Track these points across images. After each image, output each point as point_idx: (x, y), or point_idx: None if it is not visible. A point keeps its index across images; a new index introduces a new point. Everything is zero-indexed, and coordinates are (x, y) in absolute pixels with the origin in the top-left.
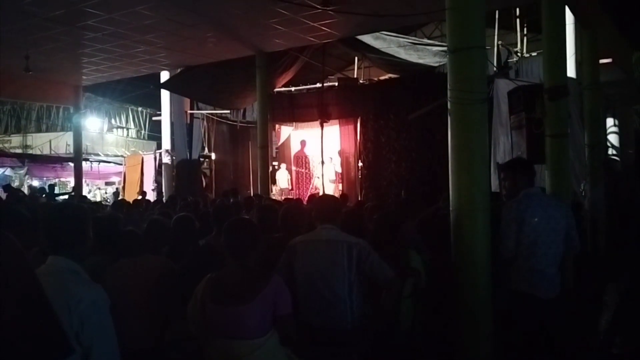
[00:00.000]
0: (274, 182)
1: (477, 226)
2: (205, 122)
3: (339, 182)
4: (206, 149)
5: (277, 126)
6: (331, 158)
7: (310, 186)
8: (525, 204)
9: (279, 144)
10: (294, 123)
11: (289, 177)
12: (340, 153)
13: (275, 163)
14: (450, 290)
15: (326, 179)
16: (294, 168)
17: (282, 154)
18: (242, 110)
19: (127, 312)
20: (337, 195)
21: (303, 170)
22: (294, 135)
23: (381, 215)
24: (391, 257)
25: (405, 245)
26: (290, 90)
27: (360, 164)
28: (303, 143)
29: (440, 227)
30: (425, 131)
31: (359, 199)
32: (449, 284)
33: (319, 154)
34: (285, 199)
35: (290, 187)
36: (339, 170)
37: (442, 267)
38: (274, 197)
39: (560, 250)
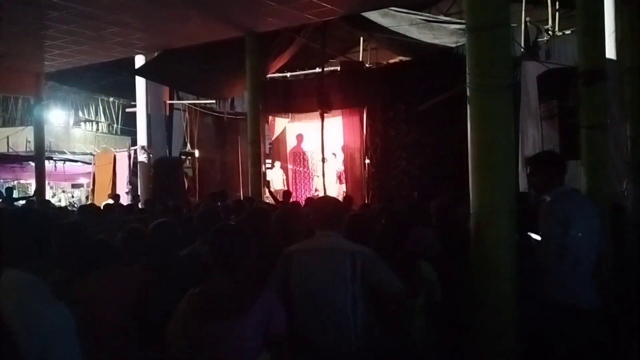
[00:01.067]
0: (267, 183)
1: (501, 231)
2: (187, 114)
3: (342, 182)
4: (188, 145)
5: (270, 118)
6: (334, 154)
7: (312, 187)
8: (566, 202)
9: (273, 138)
10: (289, 114)
11: (284, 177)
12: (344, 149)
13: (268, 161)
14: (470, 304)
15: (327, 178)
16: (290, 166)
17: (276, 150)
18: (229, 100)
19: (100, 333)
20: (339, 197)
21: (301, 168)
22: (290, 129)
23: (389, 218)
24: (401, 266)
25: (416, 253)
26: (286, 77)
27: (366, 161)
28: (300, 137)
29: (458, 232)
30: (441, 123)
31: (366, 201)
32: (468, 297)
33: (318, 149)
34: (279, 201)
35: (285, 188)
36: (342, 168)
37: (461, 278)
38: (267, 200)
39: (597, 255)
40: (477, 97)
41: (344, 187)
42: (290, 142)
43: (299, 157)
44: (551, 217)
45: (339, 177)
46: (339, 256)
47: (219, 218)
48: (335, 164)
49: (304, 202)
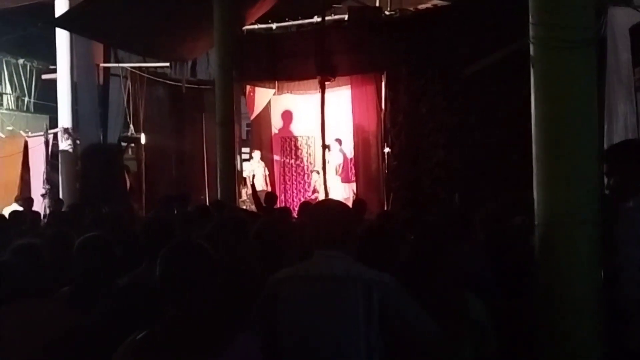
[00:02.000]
0: (252, 181)
1: (580, 250)
2: (129, 83)
3: (350, 180)
4: (131, 126)
5: (248, 88)
6: (338, 140)
7: (308, 187)
8: None
9: (253, 117)
10: (276, 83)
11: (266, 172)
12: (354, 132)
13: (245, 150)
14: (537, 355)
15: (330, 174)
16: (276, 157)
17: (256, 135)
18: (189, 63)
19: None
20: (347, 201)
21: (291, 160)
22: (277, 104)
23: (420, 232)
24: (437, 302)
25: (460, 283)
26: (271, 29)
27: (386, 150)
28: (287, 115)
29: (517, 252)
30: (494, 95)
31: (385, 207)
32: (534, 346)
33: (317, 133)
34: (262, 207)
35: (267, 189)
36: (350, 160)
37: (524, 318)
38: (244, 206)
39: None
40: (544, 57)
41: (353, 186)
42: (277, 123)
43: (289, 143)
44: (633, 232)
45: (346, 173)
46: (348, 287)
47: (174, 232)
48: (339, 155)
49: (297, 208)
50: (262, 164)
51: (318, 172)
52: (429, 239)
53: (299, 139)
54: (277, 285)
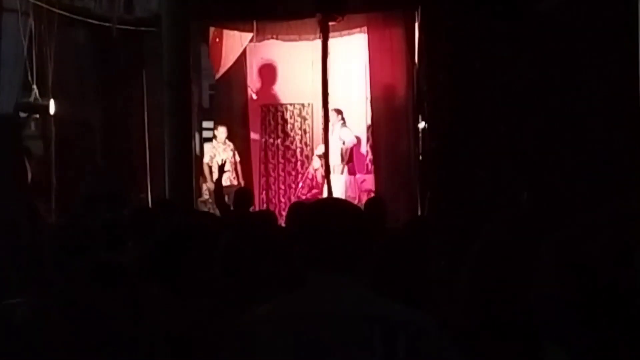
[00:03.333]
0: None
1: None
2: (31, 23)
3: (363, 170)
4: (35, 88)
5: (212, 32)
6: (340, 112)
7: (303, 180)
8: None
9: (219, 75)
10: (254, 24)
11: (237, 159)
12: (372, 98)
13: (208, 124)
14: None
15: (333, 161)
16: (253, 136)
17: (224, 101)
18: None
19: None
20: (359, 202)
21: (276, 140)
22: (256, 55)
23: (481, 256)
24: (499, 355)
25: (534, 327)
26: None
27: (421, 124)
28: (270, 72)
29: (616, 281)
30: (586, 42)
31: (419, 212)
32: None
33: (316, 98)
34: (229, 210)
35: (238, 183)
36: (366, 140)
37: None
38: (207, 208)
39: None
40: None
41: (369, 179)
42: (256, 84)
43: (273, 115)
44: None
45: (353, 160)
46: (360, 331)
47: (99, 246)
48: (347, 133)
49: (285, 212)
50: (230, 146)
51: (320, 157)
52: (490, 263)
53: (289, 107)
54: (253, 328)
